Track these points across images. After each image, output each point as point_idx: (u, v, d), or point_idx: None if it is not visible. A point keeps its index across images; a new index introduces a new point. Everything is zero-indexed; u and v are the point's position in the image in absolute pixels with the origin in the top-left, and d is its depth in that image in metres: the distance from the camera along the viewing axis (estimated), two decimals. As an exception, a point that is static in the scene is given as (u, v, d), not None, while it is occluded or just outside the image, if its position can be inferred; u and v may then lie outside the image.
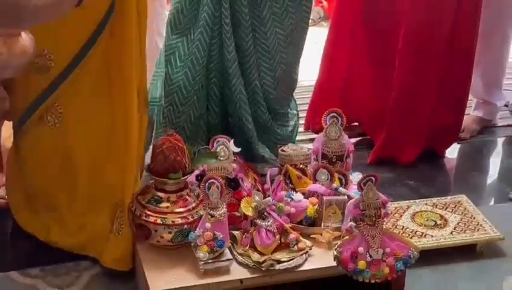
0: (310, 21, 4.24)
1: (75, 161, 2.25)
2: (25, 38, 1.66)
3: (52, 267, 2.23)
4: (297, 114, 2.94)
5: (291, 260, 2.08)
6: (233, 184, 2.22)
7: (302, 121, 3.14)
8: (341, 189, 2.25)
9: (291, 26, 2.64)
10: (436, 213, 2.49)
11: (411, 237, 2.33)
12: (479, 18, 2.95)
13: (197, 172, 2.21)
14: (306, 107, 3.24)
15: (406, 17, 2.84)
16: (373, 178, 2.13)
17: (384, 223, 2.12)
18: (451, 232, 2.39)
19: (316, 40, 3.72)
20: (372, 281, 2.06)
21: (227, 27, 2.54)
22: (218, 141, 2.27)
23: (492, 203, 2.78)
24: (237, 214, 2.15)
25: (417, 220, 2.45)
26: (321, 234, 2.19)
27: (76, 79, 2.16)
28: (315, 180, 2.28)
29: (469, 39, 2.96)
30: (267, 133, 2.80)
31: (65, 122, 2.21)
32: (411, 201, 2.57)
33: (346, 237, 2.10)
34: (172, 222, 2.07)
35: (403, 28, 2.87)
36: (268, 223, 2.09)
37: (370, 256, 2.04)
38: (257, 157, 2.73)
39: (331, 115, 2.38)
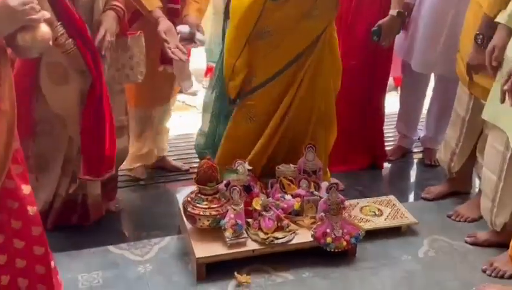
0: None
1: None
2: (44, 29, 1.48)
3: (134, 242, 2.28)
4: None
5: (284, 237, 2.14)
6: (247, 189, 2.25)
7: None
8: (315, 192, 2.30)
9: None
10: (375, 207, 2.49)
11: (360, 222, 2.34)
12: (387, 79, 2.86)
13: (225, 182, 2.24)
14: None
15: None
16: (335, 185, 2.21)
17: (343, 213, 2.21)
18: (385, 219, 2.40)
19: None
20: (336, 251, 2.15)
21: None
22: (238, 162, 2.29)
23: (411, 200, 2.74)
24: (250, 208, 2.18)
25: (363, 212, 2.45)
26: (303, 221, 2.23)
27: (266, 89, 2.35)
28: (299, 187, 2.32)
29: (379, 98, 2.86)
30: None
31: (255, 118, 2.40)
32: (359, 199, 2.56)
33: (319, 222, 2.18)
34: (210, 213, 2.12)
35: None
36: (270, 213, 2.15)
37: (334, 234, 2.14)
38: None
39: (308, 146, 2.40)
